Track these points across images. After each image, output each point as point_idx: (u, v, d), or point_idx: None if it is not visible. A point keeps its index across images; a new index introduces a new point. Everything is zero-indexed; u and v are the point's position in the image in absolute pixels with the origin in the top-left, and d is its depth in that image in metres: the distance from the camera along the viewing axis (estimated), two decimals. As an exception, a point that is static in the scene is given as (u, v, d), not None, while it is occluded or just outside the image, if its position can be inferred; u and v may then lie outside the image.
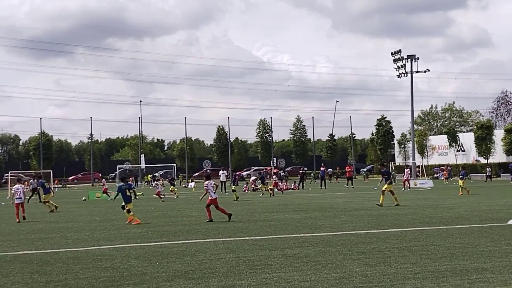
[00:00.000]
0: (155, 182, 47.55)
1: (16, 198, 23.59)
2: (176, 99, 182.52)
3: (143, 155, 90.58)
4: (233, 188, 36.71)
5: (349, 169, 53.74)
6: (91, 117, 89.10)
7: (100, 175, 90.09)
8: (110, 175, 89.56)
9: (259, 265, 11.48)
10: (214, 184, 22.43)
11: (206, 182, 21.95)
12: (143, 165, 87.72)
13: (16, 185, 24.70)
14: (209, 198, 21.21)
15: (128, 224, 20.46)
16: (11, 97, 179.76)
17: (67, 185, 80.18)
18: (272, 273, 10.61)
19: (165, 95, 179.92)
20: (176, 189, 42.38)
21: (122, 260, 12.45)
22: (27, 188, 35.37)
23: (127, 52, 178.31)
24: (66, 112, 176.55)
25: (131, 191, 21.91)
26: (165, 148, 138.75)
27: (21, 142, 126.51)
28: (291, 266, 11.31)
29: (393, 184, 30.84)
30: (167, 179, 47.14)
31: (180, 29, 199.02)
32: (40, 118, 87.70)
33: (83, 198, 40.94)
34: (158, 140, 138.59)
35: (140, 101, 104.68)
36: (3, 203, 36.51)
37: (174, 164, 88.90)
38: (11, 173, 58.84)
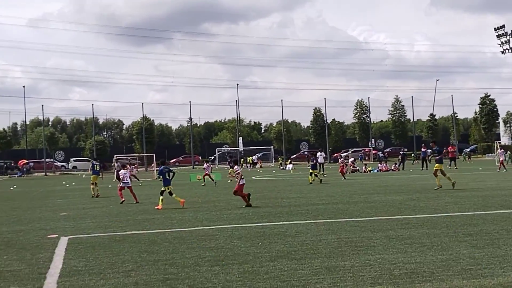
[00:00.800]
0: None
1: (123, 182, 24.59)
2: (272, 81, 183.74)
3: (240, 138, 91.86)
4: (313, 171, 35.41)
5: (452, 149, 52.23)
6: (190, 101, 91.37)
7: (200, 157, 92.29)
8: (210, 157, 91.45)
9: (361, 246, 11.36)
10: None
11: (236, 167, 22.04)
12: (241, 148, 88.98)
13: (122, 170, 25.70)
14: (238, 184, 21.04)
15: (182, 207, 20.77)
16: (114, 84, 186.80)
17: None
18: (376, 254, 10.47)
19: (261, 78, 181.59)
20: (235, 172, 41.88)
21: (225, 241, 12.68)
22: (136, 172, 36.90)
23: (223, 36, 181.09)
24: (166, 96, 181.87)
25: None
26: (262, 131, 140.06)
27: (124, 126, 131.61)
28: (395, 247, 11.12)
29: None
30: (228, 162, 46.42)
31: (275, 12, 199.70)
32: (142, 103, 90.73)
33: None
34: (255, 122, 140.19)
35: (237, 84, 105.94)
36: (110, 185, 38.04)
37: (272, 147, 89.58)
38: (116, 156, 61.23)
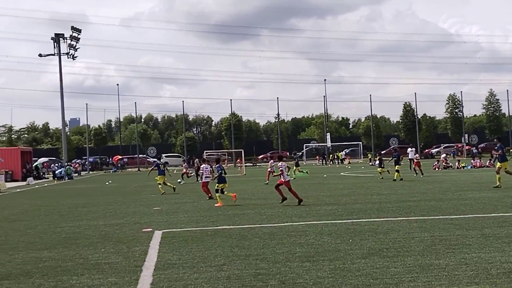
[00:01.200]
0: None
1: (205, 177, 24.84)
2: (360, 76, 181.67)
3: (328, 133, 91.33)
4: (396, 168, 34.41)
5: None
6: (277, 97, 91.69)
7: (287, 153, 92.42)
8: (298, 153, 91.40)
9: (456, 244, 11.05)
10: (287, 166, 21.84)
11: (280, 163, 21.53)
12: (329, 144, 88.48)
13: (203, 165, 26.10)
14: (281, 179, 20.80)
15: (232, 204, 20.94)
16: (203, 80, 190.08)
17: (257, 164, 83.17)
18: (471, 253, 10.16)
19: (349, 73, 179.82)
20: (297, 170, 41.25)
21: (315, 237, 12.65)
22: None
23: (310, 31, 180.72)
24: (254, 93, 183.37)
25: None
26: (350, 126, 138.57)
27: (213, 123, 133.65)
28: (492, 246, 10.75)
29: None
30: (294, 159, 45.41)
31: (363, 5, 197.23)
32: (230, 100, 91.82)
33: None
34: (342, 118, 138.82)
35: (324, 79, 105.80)
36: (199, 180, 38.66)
37: (360, 142, 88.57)
38: (206, 152, 62.30)
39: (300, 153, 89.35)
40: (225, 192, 21.73)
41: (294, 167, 40.84)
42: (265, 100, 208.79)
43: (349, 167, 63.19)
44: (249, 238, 12.83)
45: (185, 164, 47.77)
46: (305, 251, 10.96)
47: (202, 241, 12.63)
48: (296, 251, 10.98)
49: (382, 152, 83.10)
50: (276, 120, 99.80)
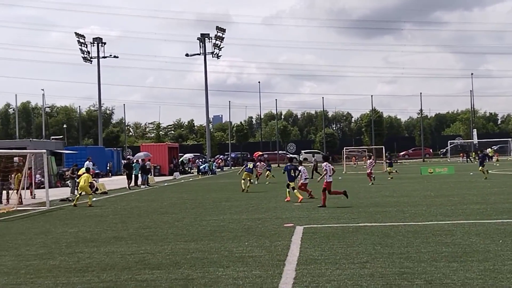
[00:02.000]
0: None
1: (305, 178, 24.10)
2: (509, 70, 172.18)
3: (475, 129, 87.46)
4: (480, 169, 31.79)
5: None
6: (420, 93, 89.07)
7: (431, 150, 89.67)
8: (441, 150, 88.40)
9: None
10: (332, 168, 20.79)
11: (324, 164, 20.66)
12: (475, 140, 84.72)
13: (325, 163, 25.43)
14: (325, 181, 20.13)
15: (299, 203, 21.03)
16: (343, 77, 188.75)
17: (398, 161, 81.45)
18: None
19: (497, 67, 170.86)
20: (393, 170, 38.61)
21: (462, 236, 12.14)
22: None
23: (456, 24, 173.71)
24: (395, 88, 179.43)
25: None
26: (499, 122, 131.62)
27: (353, 119, 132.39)
28: None
29: None
30: (386, 159, 42.12)
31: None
32: (371, 96, 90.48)
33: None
34: (490, 113, 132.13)
35: (471, 73, 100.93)
36: (340, 178, 38.51)
37: (510, 139, 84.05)
38: (345, 148, 61.97)
39: (444, 149, 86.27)
40: (295, 191, 22.40)
41: (388, 167, 39.04)
42: (407, 95, 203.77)
43: (497, 164, 60.07)
44: (392, 236, 12.57)
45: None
46: (452, 251, 10.55)
47: (344, 237, 12.55)
48: (442, 250, 10.60)
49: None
50: (419, 116, 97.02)
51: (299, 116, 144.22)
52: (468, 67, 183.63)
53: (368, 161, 33.93)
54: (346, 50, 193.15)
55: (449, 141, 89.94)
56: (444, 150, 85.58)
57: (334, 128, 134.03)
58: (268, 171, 40.87)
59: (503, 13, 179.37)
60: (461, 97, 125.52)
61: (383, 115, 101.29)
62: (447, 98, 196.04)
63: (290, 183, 22.81)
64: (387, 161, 31.39)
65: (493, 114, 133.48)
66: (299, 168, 23.39)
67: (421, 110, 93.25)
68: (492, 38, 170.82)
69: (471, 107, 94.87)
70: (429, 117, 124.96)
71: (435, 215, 16.30)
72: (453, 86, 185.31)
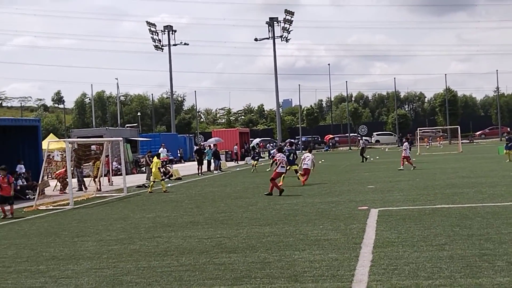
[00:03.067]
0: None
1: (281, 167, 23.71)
2: None
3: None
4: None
5: None
6: (496, 70, 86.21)
7: (508, 129, 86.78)
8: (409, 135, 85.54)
9: None
10: (313, 159, 22.42)
11: (278, 154, 21.09)
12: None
13: (278, 154, 24.33)
14: (276, 171, 20.41)
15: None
16: (415, 56, 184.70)
17: (474, 140, 79.25)
18: None
19: None
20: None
21: (545, 217, 11.75)
22: None
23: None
24: (469, 66, 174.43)
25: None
26: None
27: (426, 99, 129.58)
28: None
29: None
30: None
31: None
32: (445, 74, 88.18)
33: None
34: None
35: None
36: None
37: None
38: (419, 129, 60.75)
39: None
40: (298, 174, 23.75)
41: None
42: (482, 73, 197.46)
43: None
44: (470, 217, 12.28)
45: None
46: (535, 232, 10.23)
47: (421, 220, 12.35)
48: (525, 232, 10.29)
49: None
50: (495, 94, 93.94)
51: (370, 98, 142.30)
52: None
53: (405, 144, 31.11)
54: (417, 28, 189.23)
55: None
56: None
57: (407, 109, 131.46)
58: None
59: None
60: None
61: (458, 94, 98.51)
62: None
63: (292, 167, 24.36)
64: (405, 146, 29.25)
65: None
66: (304, 155, 24.11)
67: (497, 87, 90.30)
68: None
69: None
70: (506, 95, 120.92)
71: (515, 195, 15.82)
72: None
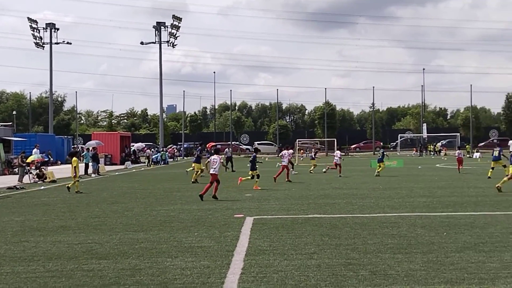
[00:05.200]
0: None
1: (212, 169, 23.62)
2: (460, 66, 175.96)
3: (425, 124, 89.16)
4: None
5: None
6: (373, 87, 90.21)
7: (381, 144, 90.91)
8: (391, 144, 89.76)
9: (558, 242, 10.53)
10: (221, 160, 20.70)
11: (215, 156, 20.11)
12: (424, 134, 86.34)
13: (214, 156, 24.59)
14: (210, 172, 19.84)
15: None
16: (298, 69, 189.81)
17: (349, 153, 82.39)
18: None
19: (448, 62, 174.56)
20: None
21: (408, 229, 12.41)
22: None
23: (409, 19, 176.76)
24: (348, 82, 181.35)
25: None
26: (448, 117, 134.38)
27: (306, 111, 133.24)
28: None
29: None
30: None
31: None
32: (325, 89, 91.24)
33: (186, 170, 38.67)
34: (440, 108, 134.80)
35: (423, 69, 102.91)
36: (295, 172, 38.69)
37: (458, 134, 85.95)
38: (298, 140, 62.33)
39: (394, 143, 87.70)
40: (256, 181, 24.44)
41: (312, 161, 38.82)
42: (360, 89, 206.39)
43: (445, 158, 61.42)
44: (339, 227, 12.76)
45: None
46: (397, 242, 10.78)
47: (293, 228, 12.68)
48: (388, 242, 10.82)
49: (480, 144, 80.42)
50: (371, 110, 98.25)
51: (253, 107, 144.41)
52: (420, 62, 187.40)
53: (287, 152, 31.75)
54: (301, 42, 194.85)
55: (399, 135, 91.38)
56: (394, 143, 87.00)
57: (288, 120, 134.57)
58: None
59: (456, 9, 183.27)
60: (412, 91, 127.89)
61: (336, 108, 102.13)
62: (399, 92, 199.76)
63: (252, 172, 25.10)
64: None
65: (442, 109, 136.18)
66: (211, 158, 20.98)
67: (373, 103, 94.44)
68: (444, 34, 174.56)
69: (422, 102, 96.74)
70: (381, 110, 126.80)
71: (382, 207, 16.60)
72: (406, 80, 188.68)
